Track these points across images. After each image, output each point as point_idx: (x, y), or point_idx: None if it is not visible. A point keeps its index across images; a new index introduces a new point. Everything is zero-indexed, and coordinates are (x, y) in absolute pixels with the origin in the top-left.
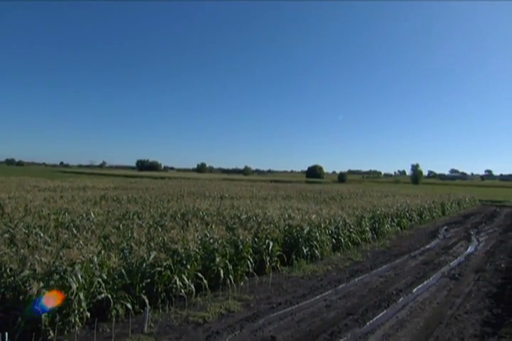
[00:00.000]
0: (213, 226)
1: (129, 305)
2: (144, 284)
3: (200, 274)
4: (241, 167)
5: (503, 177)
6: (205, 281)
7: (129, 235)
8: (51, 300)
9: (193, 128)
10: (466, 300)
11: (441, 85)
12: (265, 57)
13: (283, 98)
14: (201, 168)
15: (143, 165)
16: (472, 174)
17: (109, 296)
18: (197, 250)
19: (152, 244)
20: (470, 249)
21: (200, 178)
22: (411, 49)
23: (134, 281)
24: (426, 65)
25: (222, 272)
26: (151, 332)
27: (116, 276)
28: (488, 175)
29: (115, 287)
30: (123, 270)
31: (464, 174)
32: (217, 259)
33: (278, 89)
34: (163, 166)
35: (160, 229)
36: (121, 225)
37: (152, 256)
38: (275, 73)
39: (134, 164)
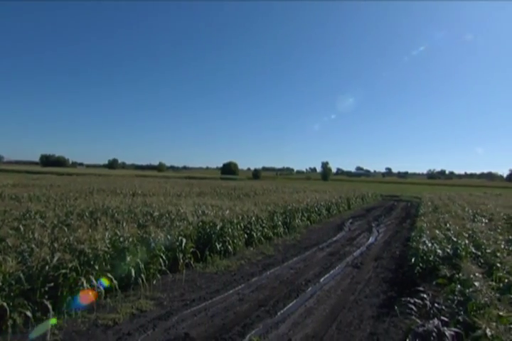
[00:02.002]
0: (124, 225)
1: (28, 313)
2: (46, 289)
3: (109, 274)
4: (155, 163)
5: (400, 175)
6: (115, 281)
7: (30, 236)
8: None
9: (104, 122)
10: (366, 286)
11: (349, 87)
12: (186, 53)
13: (197, 94)
14: (113, 164)
15: (48, 161)
16: (375, 171)
17: (5, 304)
18: (106, 249)
19: (56, 245)
20: (371, 240)
21: (112, 174)
22: (301, 50)
23: (35, 286)
24: (330, 66)
25: (133, 271)
26: (54, 339)
27: (13, 282)
28: (388, 172)
29: (12, 294)
30: (21, 274)
31: (367, 171)
32: (128, 258)
33: (193, 86)
34: (70, 162)
35: (66, 229)
36: (20, 226)
37: (56, 258)
38: (192, 72)
39: (37, 159)
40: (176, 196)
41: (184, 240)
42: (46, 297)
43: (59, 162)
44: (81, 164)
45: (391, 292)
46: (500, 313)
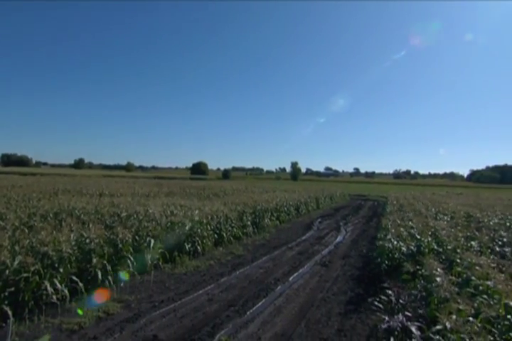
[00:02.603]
0: (91, 226)
1: None
2: (6, 294)
3: (75, 277)
4: (123, 163)
5: (367, 174)
6: (80, 284)
7: None
8: None
9: (69, 120)
10: (334, 284)
11: (321, 92)
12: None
13: (167, 95)
14: (79, 164)
15: (9, 160)
16: (343, 171)
17: None
18: (71, 251)
19: (17, 248)
20: (339, 238)
21: (78, 174)
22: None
23: None
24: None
25: (100, 273)
26: None
27: None
28: (356, 172)
29: None
30: None
31: (336, 171)
32: (95, 260)
33: (164, 86)
34: (34, 161)
35: (28, 231)
36: None
37: (17, 262)
38: (160, 72)
39: None
40: (145, 196)
41: (152, 241)
42: (6, 302)
43: (21, 161)
44: (45, 164)
45: (358, 289)
46: (460, 307)
